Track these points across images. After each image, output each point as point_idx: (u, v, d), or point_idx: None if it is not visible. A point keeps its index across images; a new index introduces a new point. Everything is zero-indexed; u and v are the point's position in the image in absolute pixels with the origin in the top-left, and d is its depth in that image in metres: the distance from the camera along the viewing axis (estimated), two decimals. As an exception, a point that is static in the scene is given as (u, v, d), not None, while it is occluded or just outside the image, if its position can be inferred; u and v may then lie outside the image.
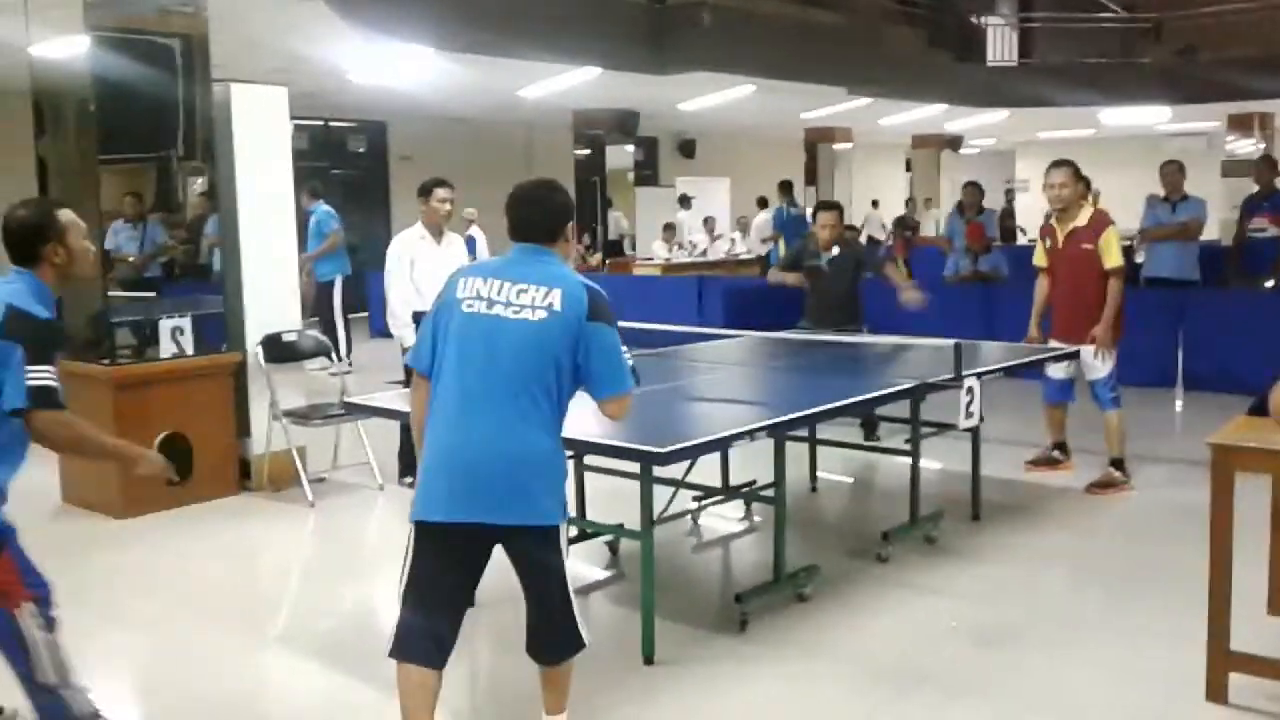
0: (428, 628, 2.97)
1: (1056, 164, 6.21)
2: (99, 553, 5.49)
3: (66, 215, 3.17)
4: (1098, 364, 6.09)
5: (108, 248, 7.37)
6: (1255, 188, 10.16)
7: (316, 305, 10.77)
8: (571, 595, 3.07)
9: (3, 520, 3.21)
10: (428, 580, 2.98)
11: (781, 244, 14.46)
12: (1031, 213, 17.96)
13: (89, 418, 6.51)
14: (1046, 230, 6.42)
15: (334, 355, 7.07)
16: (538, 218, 3.14)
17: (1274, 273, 9.68)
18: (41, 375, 2.95)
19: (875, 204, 22.48)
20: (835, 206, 7.65)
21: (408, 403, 4.54)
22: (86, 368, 6.07)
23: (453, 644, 3.02)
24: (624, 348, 3.05)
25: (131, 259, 7.41)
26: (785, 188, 14.32)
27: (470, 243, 12.19)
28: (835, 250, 7.20)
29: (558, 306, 2.95)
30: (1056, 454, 6.61)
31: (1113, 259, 6.02)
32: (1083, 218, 6.12)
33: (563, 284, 3.00)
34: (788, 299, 7.63)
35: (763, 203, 17.63)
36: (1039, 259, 6.44)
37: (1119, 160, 19.24)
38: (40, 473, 6.35)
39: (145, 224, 7.05)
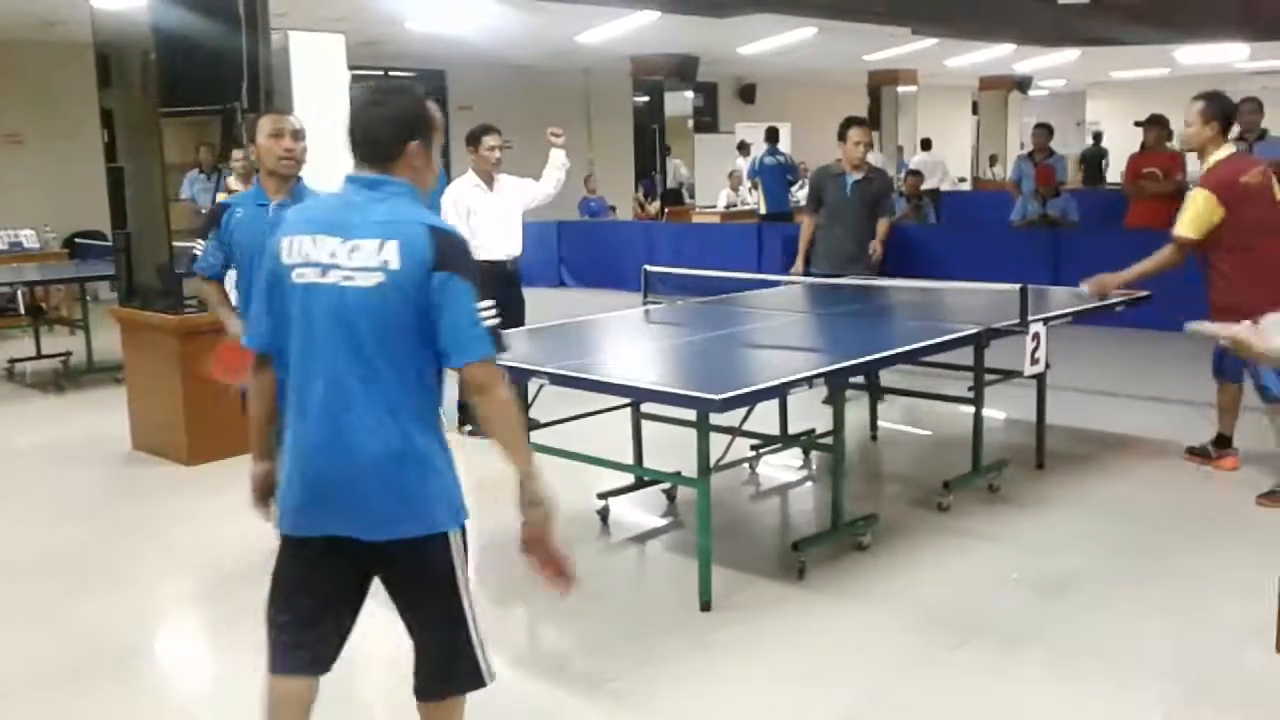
0: (298, 639, 2.53)
1: (1196, 98, 5.21)
2: (170, 497, 5.62)
3: (261, 120, 4.04)
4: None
5: (183, 197, 7.47)
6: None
7: None
8: (470, 616, 2.52)
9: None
10: (294, 593, 2.54)
11: (760, 191, 14.18)
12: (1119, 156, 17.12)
13: (156, 367, 6.64)
14: None
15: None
16: (372, 128, 2.45)
17: None
18: (196, 247, 4.23)
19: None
20: (865, 121, 6.99)
21: None
22: (152, 317, 6.19)
23: (333, 657, 2.57)
24: (483, 304, 2.39)
25: (205, 210, 7.49)
26: (771, 134, 14.21)
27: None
28: (860, 174, 6.68)
29: (395, 264, 2.33)
30: (1211, 447, 5.65)
31: (1177, 224, 5.18)
32: (1205, 166, 5.19)
33: (400, 231, 2.35)
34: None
35: (743, 148, 17.47)
36: None
37: (1195, 100, 18.61)
38: (113, 421, 6.54)
39: (219, 174, 7.12)
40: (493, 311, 2.40)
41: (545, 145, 6.37)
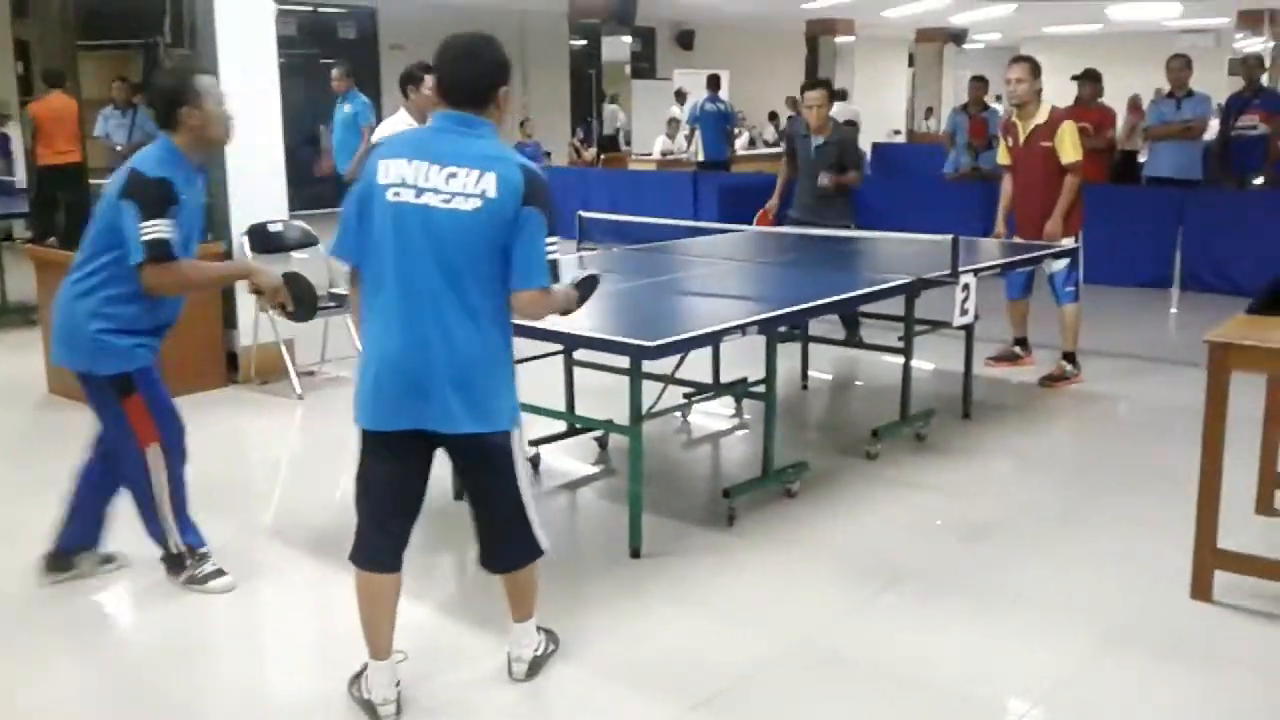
0: (384, 533, 2.93)
1: (1015, 59, 6.23)
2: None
3: (204, 81, 3.53)
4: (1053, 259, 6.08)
5: (96, 134, 7.21)
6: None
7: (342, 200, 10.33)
8: (527, 501, 2.97)
9: (140, 361, 3.53)
10: (380, 486, 2.92)
11: (698, 136, 14.16)
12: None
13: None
14: (1008, 128, 6.37)
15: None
16: (469, 77, 2.80)
17: (1265, 171, 9.54)
18: (153, 229, 3.34)
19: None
20: (821, 84, 6.94)
21: None
22: (67, 257, 5.97)
23: (405, 545, 2.97)
24: (551, 240, 2.78)
25: (119, 147, 7.22)
26: (712, 82, 14.19)
27: None
28: (822, 139, 6.63)
29: (492, 193, 2.69)
30: (1017, 350, 6.66)
31: (1068, 153, 5.99)
32: (1042, 115, 6.09)
33: (497, 166, 2.71)
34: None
35: (680, 96, 17.40)
36: (1002, 157, 6.47)
37: (1127, 57, 18.87)
38: (27, 363, 6.35)
39: (135, 111, 6.86)
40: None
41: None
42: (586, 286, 3.11)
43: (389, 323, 2.77)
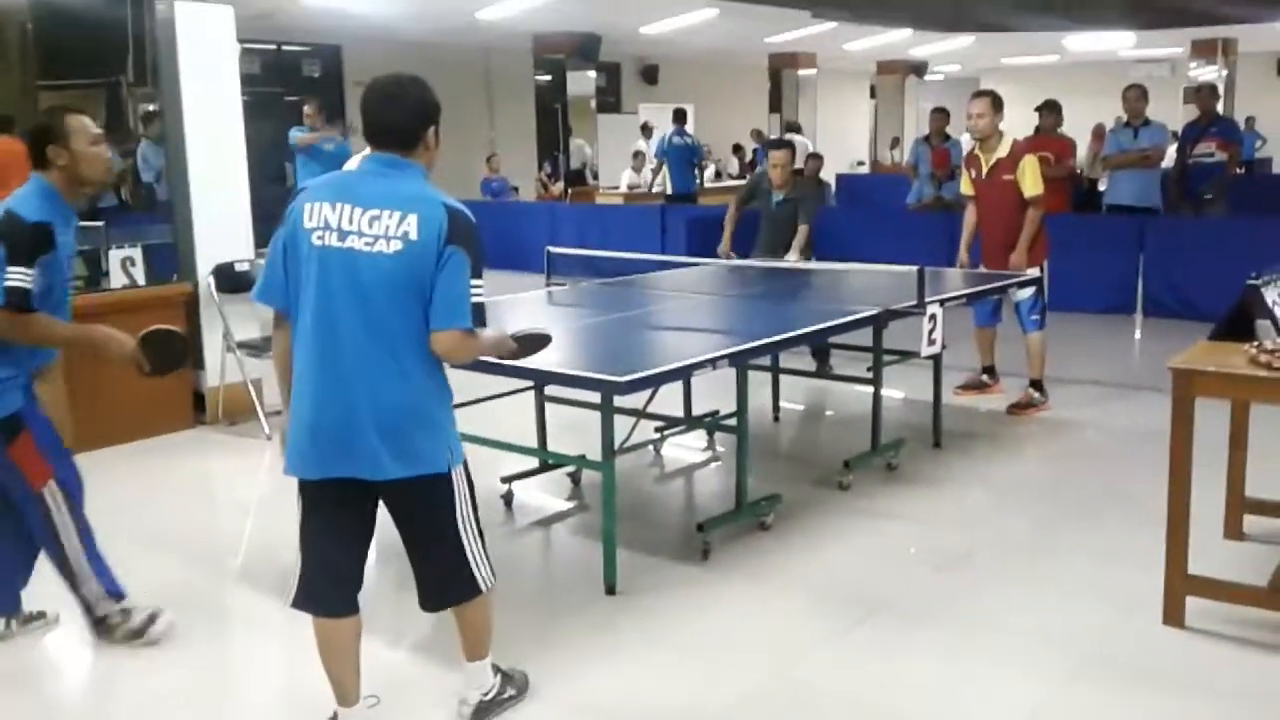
0: (329, 579, 2.85)
1: (977, 94, 6.36)
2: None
3: (73, 120, 3.35)
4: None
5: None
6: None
7: None
8: (467, 539, 2.87)
9: (23, 396, 3.36)
10: (322, 534, 2.84)
11: (666, 170, 14.30)
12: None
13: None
14: (971, 160, 6.47)
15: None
16: (393, 119, 2.75)
17: (1214, 191, 9.70)
18: (14, 276, 3.15)
19: None
20: (786, 145, 7.26)
21: None
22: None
23: (359, 586, 2.90)
24: (477, 282, 2.69)
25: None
26: (678, 115, 14.36)
27: None
28: (782, 195, 6.92)
29: (414, 235, 2.63)
30: (985, 378, 6.71)
31: (1030, 187, 6.11)
32: (1004, 149, 6.23)
33: (420, 207, 2.65)
34: (751, 227, 7.39)
35: (646, 130, 17.59)
36: (965, 188, 6.57)
37: (1085, 87, 19.20)
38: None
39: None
40: (483, 289, 2.70)
41: (443, 123, 6.23)
42: (531, 342, 3.07)
43: (313, 369, 2.70)
